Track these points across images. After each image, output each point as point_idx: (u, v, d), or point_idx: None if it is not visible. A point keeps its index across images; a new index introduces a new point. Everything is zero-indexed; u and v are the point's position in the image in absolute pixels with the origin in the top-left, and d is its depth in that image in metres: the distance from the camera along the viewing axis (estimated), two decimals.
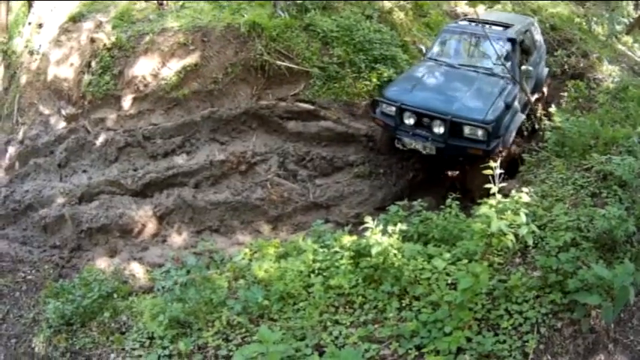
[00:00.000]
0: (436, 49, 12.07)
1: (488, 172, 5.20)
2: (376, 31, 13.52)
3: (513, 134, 10.37)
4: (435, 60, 11.73)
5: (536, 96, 12.47)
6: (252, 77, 12.01)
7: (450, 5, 19.86)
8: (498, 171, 5.16)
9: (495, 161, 8.92)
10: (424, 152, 9.90)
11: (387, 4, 15.85)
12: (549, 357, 4.59)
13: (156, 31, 12.34)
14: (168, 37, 12.13)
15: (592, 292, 4.60)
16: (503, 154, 9.95)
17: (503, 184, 5.29)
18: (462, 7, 20.06)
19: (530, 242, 5.31)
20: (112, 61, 12.23)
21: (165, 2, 13.67)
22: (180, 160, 11.17)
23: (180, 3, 13.64)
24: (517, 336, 4.79)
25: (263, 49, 11.99)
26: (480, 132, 9.41)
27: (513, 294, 5.16)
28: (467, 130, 9.49)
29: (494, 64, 10.89)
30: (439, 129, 9.63)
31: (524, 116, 10.97)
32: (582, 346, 4.58)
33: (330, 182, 11.07)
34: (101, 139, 11.61)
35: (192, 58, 11.85)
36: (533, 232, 5.13)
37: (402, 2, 16.54)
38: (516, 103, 10.64)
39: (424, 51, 12.27)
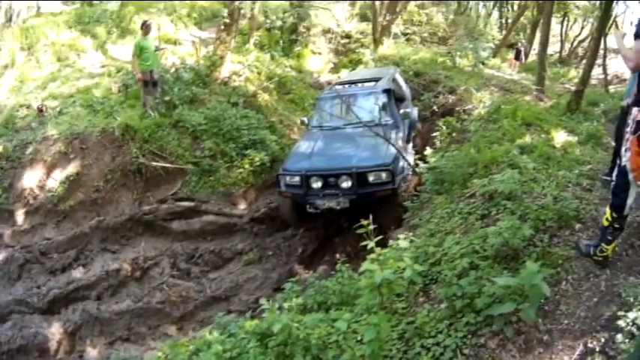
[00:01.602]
0: (318, 117, 12.78)
1: (361, 230, 5.28)
2: (243, 117, 14.07)
3: (410, 170, 11.21)
4: (320, 127, 12.39)
5: (413, 134, 13.44)
6: (131, 182, 12.15)
7: (313, 77, 20.58)
8: (372, 226, 5.23)
9: (404, 199, 9.71)
10: (338, 208, 10.28)
11: (252, 88, 16.33)
12: None
13: (38, 140, 12.32)
14: (50, 147, 12.10)
15: (504, 302, 4.64)
16: (405, 190, 10.56)
17: (378, 238, 5.32)
18: (324, 76, 20.88)
19: (419, 281, 5.33)
20: (1, 173, 12.09)
21: (44, 108, 13.60)
22: (77, 273, 11.00)
23: (58, 109, 13.60)
24: None
25: (138, 151, 12.13)
26: (383, 175, 10.14)
27: (424, 330, 5.16)
28: (371, 177, 10.17)
29: (372, 117, 11.77)
30: (347, 183, 10.22)
31: (413, 152, 12.49)
32: (514, 350, 4.55)
33: (223, 274, 11.09)
34: (1, 256, 11.33)
35: (73, 168, 11.85)
36: (418, 271, 5.16)
37: (265, 84, 17.10)
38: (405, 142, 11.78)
39: (306, 122, 12.91)
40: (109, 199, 11.87)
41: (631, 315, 4.20)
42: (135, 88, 14.30)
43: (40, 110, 13.58)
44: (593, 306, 4.85)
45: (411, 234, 6.45)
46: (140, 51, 12.86)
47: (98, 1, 21.47)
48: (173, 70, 15.24)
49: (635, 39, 4.75)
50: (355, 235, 10.32)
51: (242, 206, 12.49)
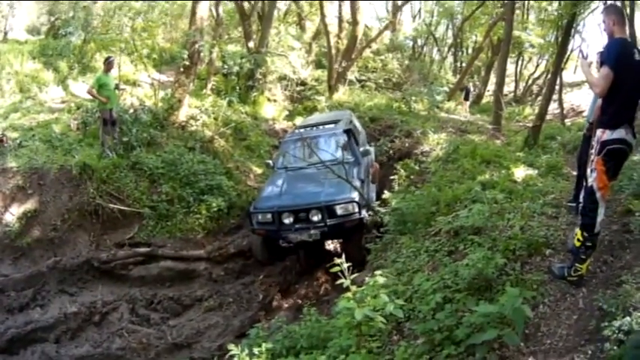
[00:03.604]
0: (283, 159, 13.19)
1: (335, 269, 5.24)
2: (200, 162, 14.20)
3: (374, 200, 12.30)
4: (286, 168, 12.78)
5: (371, 169, 13.74)
6: (88, 223, 11.98)
7: (268, 124, 20.82)
8: (346, 265, 5.20)
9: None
10: (310, 240, 10.80)
11: (208, 134, 16.44)
12: None
13: None
14: (8, 179, 11.72)
15: (485, 330, 4.60)
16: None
17: (354, 276, 5.27)
18: (280, 123, 21.21)
19: (401, 315, 5.24)
20: None
21: (5, 139, 13.26)
22: (35, 314, 10.55)
23: (19, 141, 13.26)
24: None
25: (95, 192, 12.01)
26: (350, 206, 10.68)
27: None
28: (339, 209, 10.70)
29: (335, 154, 12.22)
30: (317, 216, 10.77)
31: (375, 184, 13.51)
32: None
33: (183, 321, 10.86)
34: None
35: (31, 204, 11.53)
36: (400, 306, 5.10)
37: (221, 129, 17.28)
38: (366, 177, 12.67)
39: (272, 164, 13.42)
40: (66, 239, 11.60)
41: (616, 323, 4.23)
42: (93, 127, 14.24)
43: (1, 140, 13.24)
44: (573, 323, 4.91)
45: (386, 271, 6.41)
46: (100, 87, 12.79)
47: (63, 34, 21.43)
48: (132, 111, 15.21)
49: (601, 66, 5.07)
50: (314, 281, 10.82)
51: (199, 252, 12.37)
